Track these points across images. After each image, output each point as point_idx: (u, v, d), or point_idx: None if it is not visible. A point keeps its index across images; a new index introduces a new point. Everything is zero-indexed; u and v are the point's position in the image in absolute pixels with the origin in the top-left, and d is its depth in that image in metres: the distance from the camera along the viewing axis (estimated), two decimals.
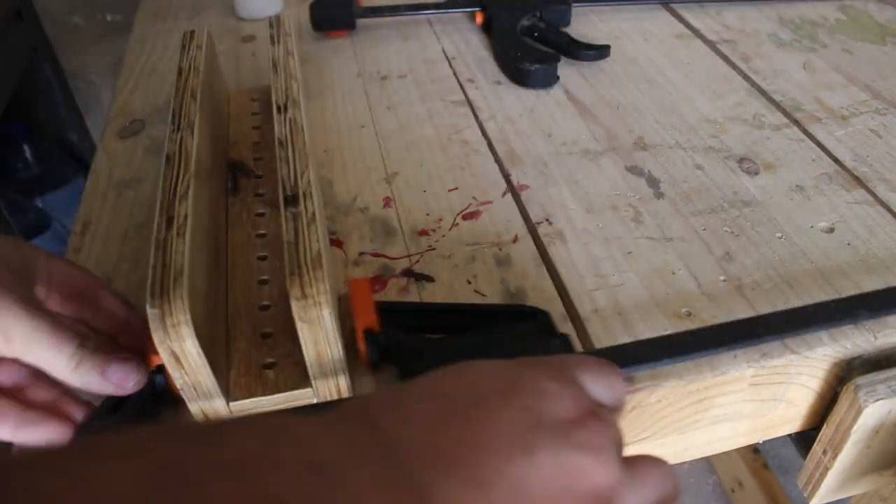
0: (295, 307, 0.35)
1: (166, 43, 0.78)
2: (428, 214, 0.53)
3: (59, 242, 1.19)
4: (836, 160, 0.57)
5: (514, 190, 0.55)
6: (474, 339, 0.40)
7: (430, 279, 0.47)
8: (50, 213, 1.23)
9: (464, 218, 0.52)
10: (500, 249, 0.50)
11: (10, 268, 0.36)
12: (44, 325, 0.35)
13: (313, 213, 0.39)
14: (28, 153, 1.25)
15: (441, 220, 0.52)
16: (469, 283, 0.47)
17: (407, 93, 0.67)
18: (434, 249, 0.50)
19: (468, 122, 0.63)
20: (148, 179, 0.57)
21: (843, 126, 0.61)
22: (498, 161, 0.58)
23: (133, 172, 0.58)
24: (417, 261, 0.49)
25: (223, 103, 0.61)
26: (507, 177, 0.56)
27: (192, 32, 0.58)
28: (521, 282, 0.47)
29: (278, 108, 0.48)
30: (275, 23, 0.58)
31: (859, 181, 0.55)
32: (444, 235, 0.51)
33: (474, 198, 0.54)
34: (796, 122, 0.61)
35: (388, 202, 0.54)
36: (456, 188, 0.55)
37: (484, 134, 0.61)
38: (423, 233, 0.51)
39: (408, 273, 0.48)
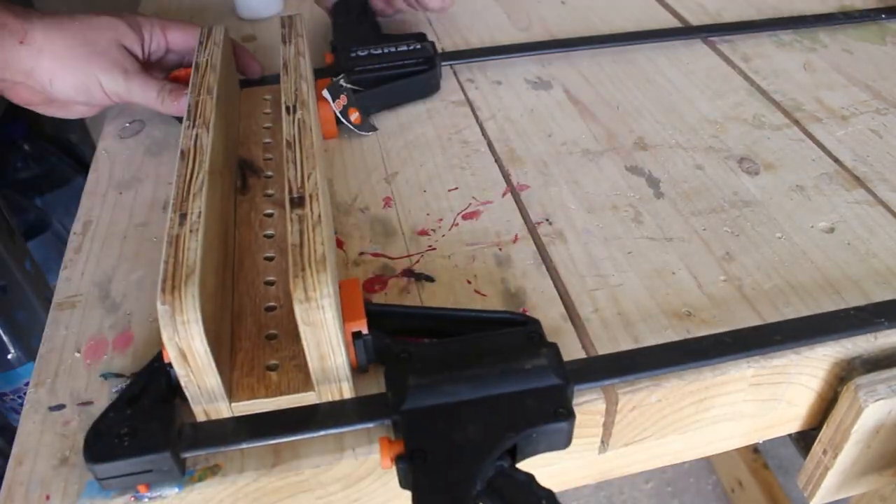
0: (298, 310, 0.35)
1: None
2: (428, 214, 0.53)
3: (59, 242, 1.19)
4: (836, 160, 0.57)
5: (514, 190, 0.55)
6: (463, 345, 0.40)
7: (430, 279, 0.47)
8: (50, 213, 1.22)
9: (464, 218, 0.52)
10: (500, 249, 0.50)
11: (119, 40, 0.57)
12: (135, 83, 0.57)
13: (319, 216, 0.39)
14: (28, 153, 1.25)
15: (441, 220, 0.52)
16: (469, 283, 0.47)
17: None
18: (434, 249, 0.50)
19: (468, 122, 0.63)
20: (148, 179, 0.57)
21: (843, 126, 0.61)
22: (498, 161, 0.58)
23: (133, 172, 0.58)
24: (417, 261, 0.49)
25: (236, 101, 0.61)
26: (507, 177, 0.56)
27: (211, 28, 0.58)
28: (521, 282, 0.47)
29: (287, 109, 0.48)
30: (287, 23, 0.58)
31: (859, 181, 0.55)
32: (444, 235, 0.51)
33: (474, 198, 0.54)
34: (796, 122, 0.61)
35: (388, 202, 0.54)
36: (456, 188, 0.55)
37: (484, 134, 0.61)
38: (423, 233, 0.51)
39: (408, 273, 0.48)
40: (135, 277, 0.49)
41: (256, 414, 0.38)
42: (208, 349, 0.35)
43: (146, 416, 0.36)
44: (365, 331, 0.40)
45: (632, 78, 0.68)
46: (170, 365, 0.37)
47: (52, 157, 1.28)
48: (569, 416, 0.36)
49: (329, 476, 0.39)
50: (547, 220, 0.52)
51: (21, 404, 0.65)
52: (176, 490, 0.37)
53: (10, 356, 0.92)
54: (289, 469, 0.38)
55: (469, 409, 0.37)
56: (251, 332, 0.43)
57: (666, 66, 0.70)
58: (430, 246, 0.50)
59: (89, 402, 0.41)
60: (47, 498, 0.37)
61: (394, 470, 0.36)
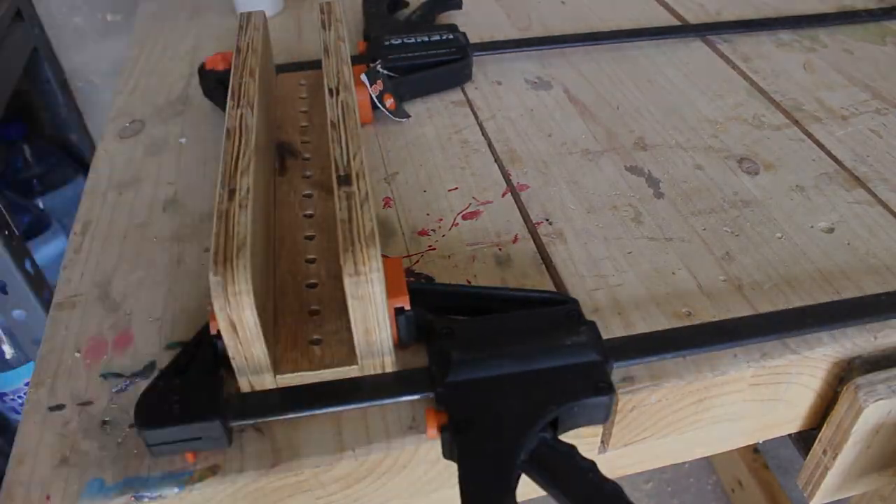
0: (347, 283, 0.36)
1: (166, 43, 0.78)
2: (428, 214, 0.53)
3: (59, 242, 1.19)
4: (836, 160, 0.57)
5: (514, 190, 0.55)
6: (504, 321, 0.40)
7: (430, 279, 0.47)
8: (50, 213, 1.22)
9: (464, 218, 0.52)
10: (500, 249, 0.50)
11: None
12: None
13: (366, 193, 0.40)
14: (28, 153, 1.25)
15: (441, 220, 0.52)
16: (469, 283, 0.47)
17: None
18: (434, 249, 0.50)
19: (468, 122, 0.63)
20: (148, 179, 0.57)
21: (843, 126, 0.61)
22: (498, 161, 0.58)
23: (133, 172, 0.58)
24: (417, 261, 0.49)
25: (273, 86, 0.62)
26: (507, 177, 0.56)
27: (250, 14, 0.59)
28: (521, 282, 0.47)
29: (330, 92, 0.49)
30: (325, 9, 0.59)
31: (859, 181, 0.55)
32: (444, 235, 0.51)
33: (474, 198, 0.54)
34: (796, 122, 0.61)
35: (388, 202, 0.54)
36: (456, 188, 0.55)
37: (484, 134, 0.61)
38: (423, 233, 0.51)
39: (408, 273, 0.48)
40: (135, 277, 0.49)
41: (301, 385, 0.39)
42: (257, 320, 0.36)
43: (195, 386, 0.37)
44: (407, 307, 0.40)
45: (632, 78, 0.68)
46: (216, 336, 0.38)
47: (52, 157, 1.28)
48: (609, 390, 0.37)
49: (329, 476, 0.39)
50: (547, 220, 0.52)
51: (21, 404, 0.65)
52: (176, 490, 0.37)
53: (9, 356, 0.92)
54: (289, 469, 0.38)
55: (511, 383, 0.38)
56: (294, 307, 0.43)
57: (666, 66, 0.70)
58: (430, 246, 0.50)
59: (89, 402, 0.41)
60: (47, 498, 0.37)
61: (393, 470, 0.36)
